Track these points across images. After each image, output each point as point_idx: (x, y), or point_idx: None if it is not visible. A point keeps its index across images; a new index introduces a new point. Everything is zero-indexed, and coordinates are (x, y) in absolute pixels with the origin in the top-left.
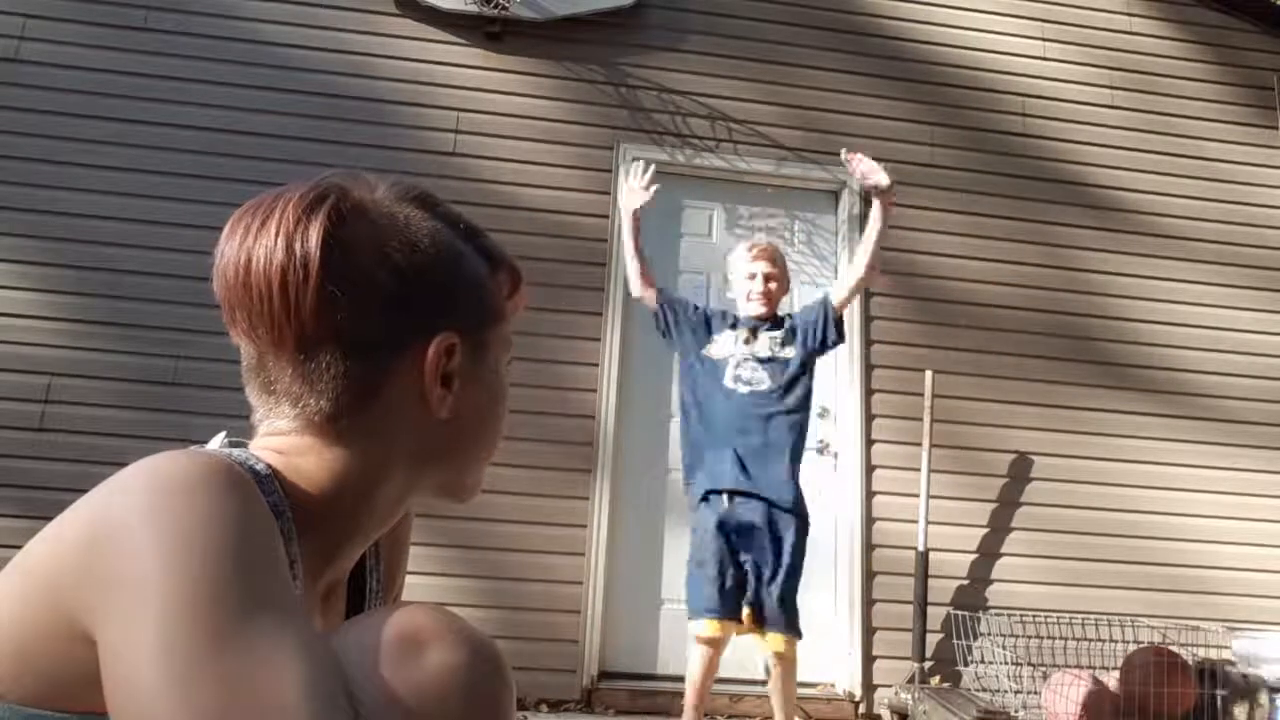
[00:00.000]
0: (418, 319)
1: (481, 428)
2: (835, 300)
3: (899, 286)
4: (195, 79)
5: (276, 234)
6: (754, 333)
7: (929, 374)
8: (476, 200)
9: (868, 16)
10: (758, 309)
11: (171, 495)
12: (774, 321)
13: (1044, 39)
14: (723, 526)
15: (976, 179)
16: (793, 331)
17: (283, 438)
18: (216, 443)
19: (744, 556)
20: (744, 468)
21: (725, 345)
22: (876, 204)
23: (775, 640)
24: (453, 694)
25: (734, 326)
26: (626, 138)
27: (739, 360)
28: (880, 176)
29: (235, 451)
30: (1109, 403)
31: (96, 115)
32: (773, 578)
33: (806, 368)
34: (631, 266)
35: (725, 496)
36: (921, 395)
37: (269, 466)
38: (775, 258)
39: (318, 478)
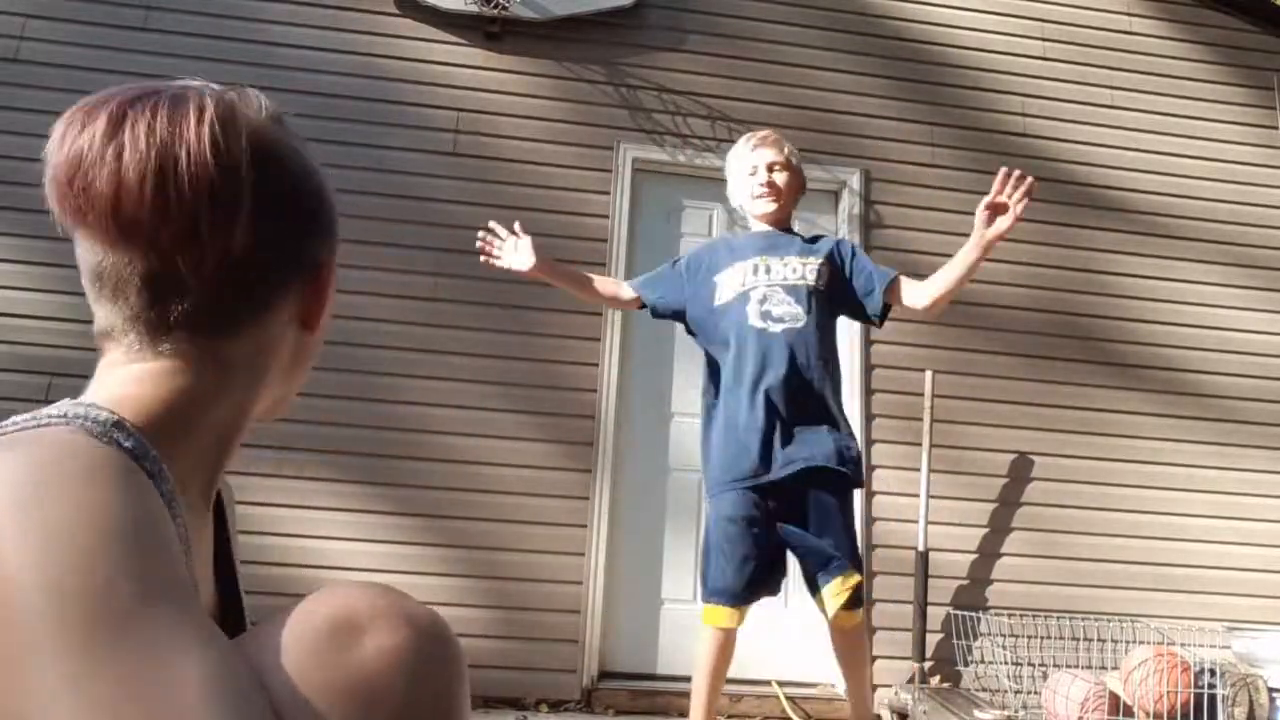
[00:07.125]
0: (325, 238)
1: (321, 340)
2: (900, 290)
3: None
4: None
5: (198, 143)
6: (770, 254)
7: (929, 374)
8: (476, 200)
9: (868, 16)
10: (766, 206)
11: (40, 484)
12: (790, 233)
13: (1044, 39)
14: (754, 516)
15: (976, 179)
16: (825, 253)
17: (155, 362)
18: (63, 407)
19: (786, 540)
20: (785, 434)
21: (736, 280)
22: (982, 234)
23: (832, 606)
24: (394, 681)
25: (740, 255)
26: (626, 138)
27: (762, 294)
28: (1013, 214)
29: (78, 409)
30: (1109, 402)
31: None
32: (834, 543)
33: (833, 296)
34: (587, 297)
35: (757, 484)
36: (921, 395)
37: (113, 413)
38: (781, 145)
39: (186, 401)
